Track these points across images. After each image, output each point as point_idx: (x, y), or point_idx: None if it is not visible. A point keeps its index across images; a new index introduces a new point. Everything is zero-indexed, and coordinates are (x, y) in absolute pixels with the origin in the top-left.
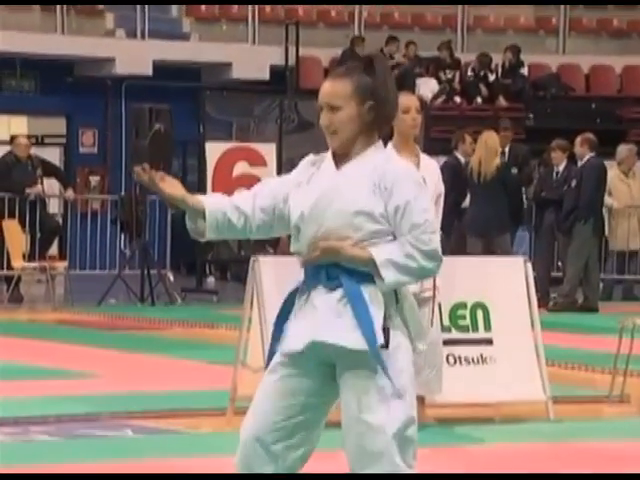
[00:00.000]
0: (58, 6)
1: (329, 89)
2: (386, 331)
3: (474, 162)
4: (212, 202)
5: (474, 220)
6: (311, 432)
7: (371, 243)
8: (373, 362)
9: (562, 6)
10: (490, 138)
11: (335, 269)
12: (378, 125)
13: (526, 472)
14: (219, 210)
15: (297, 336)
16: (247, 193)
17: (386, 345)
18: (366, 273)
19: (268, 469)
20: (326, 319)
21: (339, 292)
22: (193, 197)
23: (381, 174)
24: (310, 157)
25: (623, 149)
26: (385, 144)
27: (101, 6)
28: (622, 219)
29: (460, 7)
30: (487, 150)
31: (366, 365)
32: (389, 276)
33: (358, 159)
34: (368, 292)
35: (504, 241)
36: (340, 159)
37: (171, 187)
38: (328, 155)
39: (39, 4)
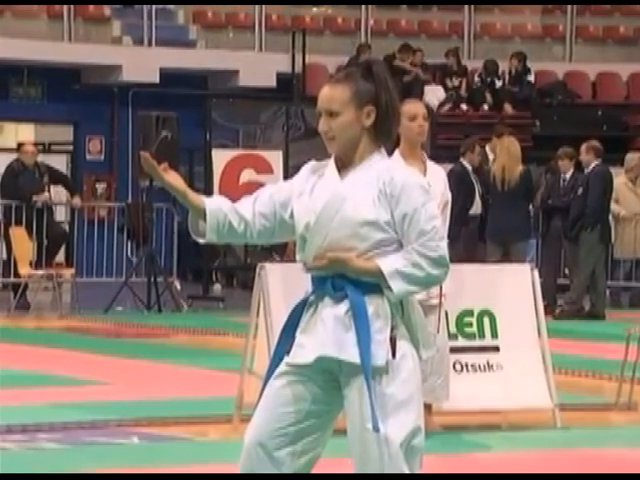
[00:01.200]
0: (65, 13)
1: (327, 94)
2: (392, 341)
3: (497, 169)
4: (213, 203)
5: (496, 227)
6: (316, 439)
7: (377, 253)
8: (380, 371)
9: (568, 13)
10: (512, 145)
11: (341, 280)
12: (381, 131)
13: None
14: (220, 211)
15: (306, 349)
16: (248, 199)
17: (393, 355)
18: (372, 284)
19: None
20: (334, 333)
21: (345, 304)
22: (195, 194)
23: (387, 181)
24: (311, 164)
25: (633, 157)
26: (392, 151)
27: (108, 13)
28: (628, 227)
29: (467, 14)
30: (510, 156)
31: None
32: (398, 287)
33: (361, 166)
34: (374, 303)
35: (522, 248)
36: (343, 166)
37: (174, 178)
38: (331, 162)
39: (48, 4)
